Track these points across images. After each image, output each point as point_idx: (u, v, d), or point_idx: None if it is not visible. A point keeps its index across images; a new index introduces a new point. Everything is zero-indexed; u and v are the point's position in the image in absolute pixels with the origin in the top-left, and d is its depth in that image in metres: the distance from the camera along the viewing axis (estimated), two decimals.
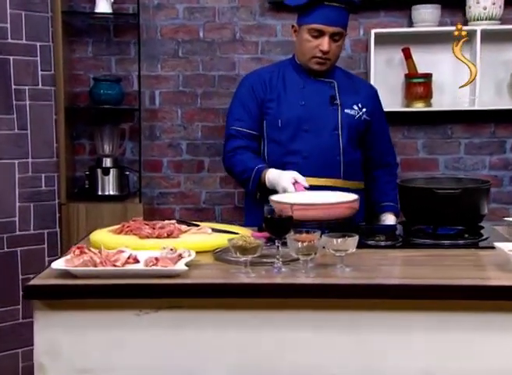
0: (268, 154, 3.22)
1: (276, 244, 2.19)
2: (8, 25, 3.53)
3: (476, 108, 4.15)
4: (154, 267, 2.11)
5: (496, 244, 2.27)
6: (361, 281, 2.10)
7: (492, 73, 4.23)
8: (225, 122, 3.39)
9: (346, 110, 3.21)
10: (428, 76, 4.20)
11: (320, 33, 3.11)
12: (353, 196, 2.71)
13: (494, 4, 4.08)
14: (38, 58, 3.67)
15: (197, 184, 4.41)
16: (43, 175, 3.71)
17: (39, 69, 3.68)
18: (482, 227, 2.69)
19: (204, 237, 2.53)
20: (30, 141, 3.65)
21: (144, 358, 2.10)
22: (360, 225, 2.80)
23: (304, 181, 2.91)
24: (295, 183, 2.90)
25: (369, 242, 2.50)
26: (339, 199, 2.69)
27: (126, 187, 4.22)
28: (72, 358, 2.10)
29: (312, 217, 2.50)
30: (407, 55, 4.21)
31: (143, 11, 4.12)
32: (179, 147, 4.40)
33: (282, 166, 3.10)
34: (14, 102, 3.58)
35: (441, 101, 4.28)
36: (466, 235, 2.58)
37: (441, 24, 4.19)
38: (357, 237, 2.17)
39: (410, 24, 4.22)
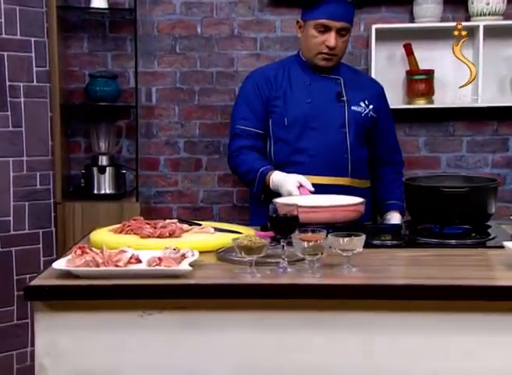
0: (274, 153, 3.22)
1: (282, 243, 2.18)
2: (3, 20, 3.53)
3: (478, 105, 4.15)
4: (158, 267, 2.10)
5: (506, 244, 2.27)
6: (369, 282, 2.10)
7: (495, 69, 4.23)
8: (230, 120, 3.39)
9: (352, 107, 3.21)
10: (429, 73, 4.20)
11: (326, 29, 3.11)
12: (358, 199, 2.71)
13: None
14: (33, 54, 3.67)
15: (194, 183, 4.40)
16: (38, 173, 3.71)
17: (34, 65, 3.68)
18: (489, 226, 2.69)
19: (206, 237, 2.53)
20: (24, 138, 3.64)
21: (147, 360, 2.09)
22: (365, 224, 2.80)
23: (310, 185, 2.90)
24: (300, 186, 2.89)
25: (375, 242, 2.50)
26: (345, 202, 2.69)
27: (122, 185, 4.20)
28: (74, 360, 2.10)
29: (318, 220, 2.49)
30: (409, 52, 4.21)
31: (139, 6, 4.09)
32: (177, 145, 4.39)
33: (289, 165, 3.10)
34: (8, 99, 3.58)
35: (443, 98, 4.28)
36: (473, 234, 2.59)
37: (443, 20, 4.19)
38: (363, 237, 2.17)
39: (412, 20, 4.22)
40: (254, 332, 2.09)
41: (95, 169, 4.12)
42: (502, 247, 2.30)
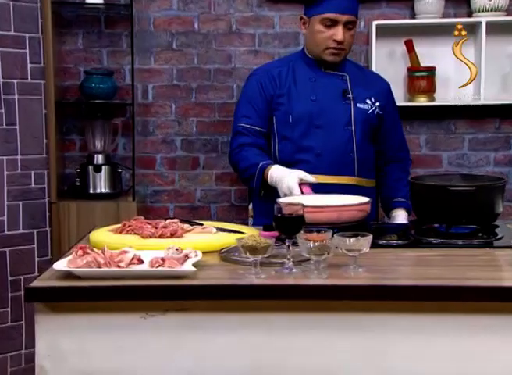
0: (279, 151, 3.21)
1: (287, 243, 2.18)
2: None
3: (481, 102, 4.16)
4: (162, 268, 2.10)
5: None
6: (376, 282, 2.10)
7: (498, 66, 4.24)
8: (233, 118, 3.38)
9: (358, 104, 3.20)
10: (431, 70, 4.20)
11: (333, 23, 3.10)
12: (365, 199, 2.71)
13: None
14: (27, 50, 3.66)
15: (191, 182, 4.40)
16: (32, 172, 3.70)
17: (28, 61, 3.68)
18: (497, 226, 2.69)
19: (209, 237, 2.53)
20: (18, 136, 3.63)
21: (150, 362, 2.09)
22: (370, 224, 2.79)
23: (311, 178, 2.90)
24: (302, 184, 2.89)
25: (380, 242, 2.49)
26: (351, 202, 2.69)
27: (118, 184, 4.20)
28: (75, 363, 2.09)
29: (323, 220, 2.49)
30: (410, 48, 4.21)
31: (135, 1, 4.08)
32: (174, 143, 4.38)
33: (294, 164, 3.10)
34: (2, 96, 3.57)
35: (444, 96, 4.28)
36: (480, 234, 2.58)
37: (445, 16, 4.19)
38: (370, 237, 2.16)
39: (413, 16, 4.22)
40: (258, 334, 2.09)
41: (91, 168, 4.11)
42: (510, 247, 2.32)
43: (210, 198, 4.41)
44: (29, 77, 3.66)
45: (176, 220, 2.60)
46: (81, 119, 4.29)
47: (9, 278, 3.63)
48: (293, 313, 2.09)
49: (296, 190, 2.86)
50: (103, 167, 4.12)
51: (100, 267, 2.10)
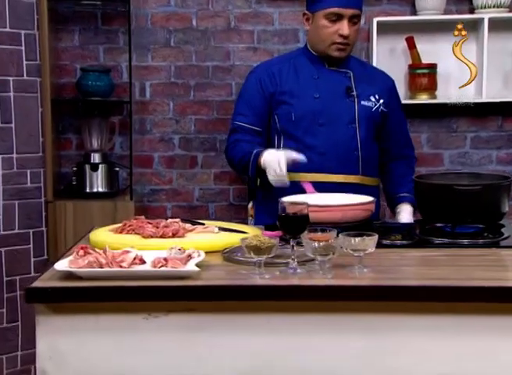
0: (283, 148, 3.18)
1: (291, 243, 2.18)
2: None
3: (483, 100, 4.16)
4: (165, 268, 2.09)
5: None
6: (382, 283, 2.10)
7: (500, 63, 4.25)
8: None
9: (362, 102, 3.19)
10: (432, 67, 4.21)
11: (338, 17, 3.09)
12: (369, 198, 2.71)
13: None
14: (23, 47, 3.64)
15: (189, 181, 4.40)
16: (28, 171, 3.68)
17: (24, 58, 3.65)
18: (503, 225, 2.69)
19: (211, 237, 2.52)
20: (14, 135, 3.62)
21: (153, 364, 2.09)
22: (374, 223, 2.80)
23: (301, 156, 2.92)
24: (304, 183, 2.89)
25: (385, 242, 2.49)
26: (355, 201, 2.69)
27: (115, 183, 4.20)
28: (77, 365, 2.08)
29: (326, 219, 2.48)
30: (411, 45, 4.21)
31: None
32: (171, 141, 4.38)
33: (299, 163, 3.09)
34: None
35: (446, 93, 4.28)
36: (486, 234, 2.58)
37: (446, 12, 4.20)
38: (376, 237, 2.16)
39: (414, 12, 4.22)
40: (263, 335, 2.09)
41: (87, 167, 4.12)
42: None
43: (208, 197, 4.41)
44: (25, 74, 3.65)
45: (177, 220, 2.60)
46: (78, 117, 4.29)
47: (5, 278, 3.61)
48: (298, 314, 2.08)
49: (283, 160, 2.89)
50: (100, 166, 4.12)
51: (102, 267, 2.10)
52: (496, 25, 4.10)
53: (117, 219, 3.77)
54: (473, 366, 2.08)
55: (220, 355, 2.09)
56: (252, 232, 2.55)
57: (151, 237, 2.47)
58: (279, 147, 3.19)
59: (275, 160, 2.92)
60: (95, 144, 4.17)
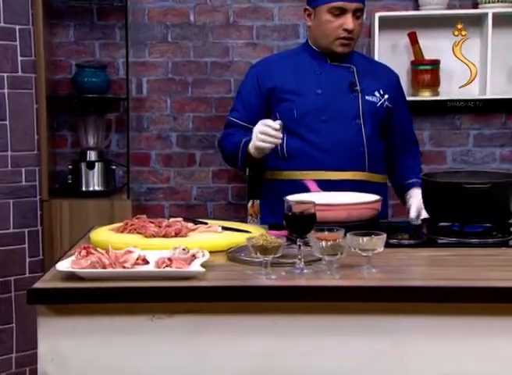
0: (287, 146, 3.17)
1: (298, 243, 2.17)
2: None
3: (486, 96, 4.16)
4: (170, 269, 2.08)
5: None
6: (391, 283, 2.09)
7: (504, 59, 4.24)
8: None
9: (367, 97, 3.18)
10: (435, 63, 4.20)
11: (342, 12, 3.07)
12: (374, 197, 2.70)
13: None
14: (17, 42, 3.64)
15: (187, 179, 4.39)
16: (23, 169, 3.68)
17: (18, 54, 3.65)
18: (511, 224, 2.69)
19: (215, 236, 2.52)
20: (9, 132, 3.61)
21: (157, 366, 2.08)
22: (381, 223, 2.79)
23: (275, 123, 2.93)
24: (308, 182, 2.89)
25: (392, 241, 2.48)
26: (361, 200, 2.69)
27: (112, 182, 4.19)
28: (79, 367, 2.08)
29: (332, 219, 2.48)
30: (414, 41, 4.21)
31: None
32: (169, 139, 4.37)
33: (303, 159, 3.09)
34: None
35: (449, 90, 4.28)
36: (495, 233, 2.58)
37: (449, 7, 4.19)
38: (384, 236, 2.16)
39: (417, 7, 4.22)
40: (269, 336, 2.08)
41: (83, 165, 4.11)
42: None
43: (206, 195, 4.40)
44: (19, 71, 3.64)
45: (179, 219, 2.60)
46: (73, 114, 4.28)
47: None
48: (305, 316, 2.08)
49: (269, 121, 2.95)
50: (96, 164, 4.12)
51: (105, 268, 2.09)
52: (500, 20, 4.10)
53: (114, 218, 3.77)
54: (484, 367, 2.08)
55: (225, 358, 2.09)
56: (255, 231, 2.55)
57: (154, 236, 2.46)
58: (281, 144, 3.18)
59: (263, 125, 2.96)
60: (91, 141, 4.16)
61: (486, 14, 4.07)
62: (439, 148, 4.37)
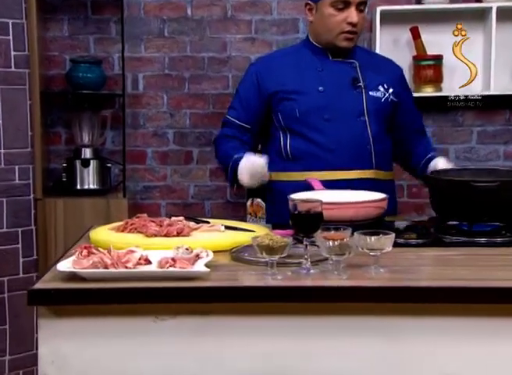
0: (291, 147, 3.14)
1: (305, 242, 2.17)
2: None
3: (490, 93, 4.17)
4: (173, 269, 2.08)
5: None
6: (399, 284, 2.09)
7: (508, 54, 4.24)
8: None
9: (370, 92, 3.15)
10: (438, 58, 4.21)
11: (345, 5, 3.06)
12: (381, 195, 2.70)
13: None
14: (10, 37, 3.63)
15: (184, 177, 4.39)
16: (16, 167, 3.67)
17: (11, 49, 3.64)
18: None
19: (218, 236, 2.51)
20: (1, 129, 3.61)
21: (161, 368, 2.08)
22: (387, 222, 2.79)
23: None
24: (312, 180, 2.89)
25: (399, 240, 2.48)
26: (367, 198, 2.69)
27: (107, 180, 4.18)
28: (80, 369, 2.07)
29: (337, 217, 2.47)
30: (416, 35, 4.21)
31: None
32: (165, 136, 4.37)
33: (308, 160, 3.08)
34: None
35: (452, 86, 4.28)
36: (504, 232, 2.58)
37: (452, 1, 4.20)
38: (393, 236, 2.16)
39: (419, 1, 4.23)
40: (274, 338, 2.08)
41: (78, 163, 4.10)
42: None
43: (204, 194, 4.40)
44: (12, 66, 3.63)
45: (180, 218, 2.59)
46: (67, 110, 4.27)
47: None
48: (312, 316, 2.08)
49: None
50: (91, 162, 4.11)
51: (107, 268, 2.08)
52: (505, 15, 4.11)
53: (110, 217, 3.77)
54: (494, 370, 2.08)
55: (229, 359, 2.08)
56: (259, 230, 2.54)
57: (155, 236, 2.46)
58: (285, 145, 3.15)
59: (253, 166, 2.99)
60: (86, 138, 4.15)
61: (490, 8, 4.07)
62: (442, 145, 4.37)
